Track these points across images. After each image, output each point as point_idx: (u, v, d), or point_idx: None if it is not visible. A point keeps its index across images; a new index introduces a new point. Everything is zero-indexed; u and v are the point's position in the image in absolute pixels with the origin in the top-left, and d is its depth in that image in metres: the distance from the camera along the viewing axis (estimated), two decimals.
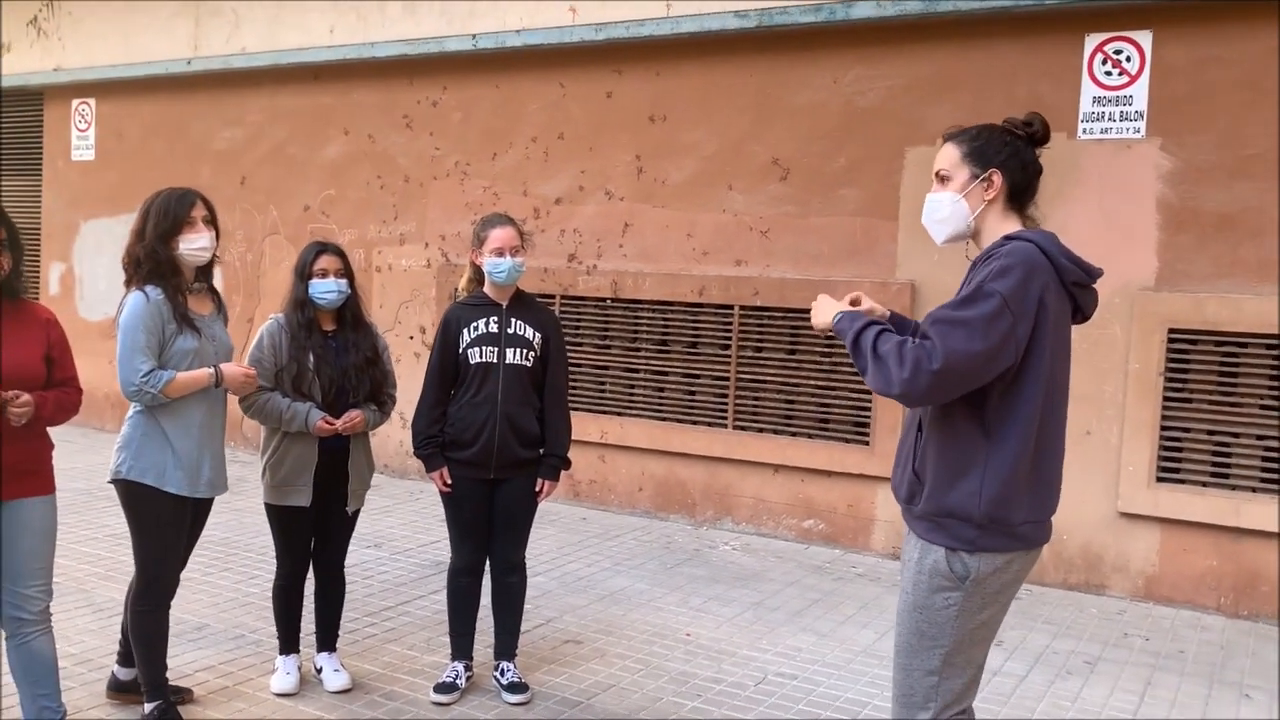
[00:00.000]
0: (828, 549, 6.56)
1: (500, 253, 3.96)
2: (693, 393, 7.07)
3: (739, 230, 6.89)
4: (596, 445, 7.37)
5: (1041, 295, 2.42)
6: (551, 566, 5.93)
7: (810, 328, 6.63)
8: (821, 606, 5.43)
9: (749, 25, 6.55)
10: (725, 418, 6.94)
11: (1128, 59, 5.72)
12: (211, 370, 3.56)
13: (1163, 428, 5.63)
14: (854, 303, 2.70)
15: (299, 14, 8.49)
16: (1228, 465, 5.53)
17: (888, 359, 2.41)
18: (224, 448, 3.77)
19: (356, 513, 4.15)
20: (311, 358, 3.92)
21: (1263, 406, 5.44)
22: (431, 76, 7.99)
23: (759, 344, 6.84)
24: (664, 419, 7.15)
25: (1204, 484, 5.57)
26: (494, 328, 3.99)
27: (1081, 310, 2.60)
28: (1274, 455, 5.43)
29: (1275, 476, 5.43)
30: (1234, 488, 5.51)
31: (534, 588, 5.49)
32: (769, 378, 6.79)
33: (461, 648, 4.16)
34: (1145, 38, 5.68)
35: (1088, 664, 4.74)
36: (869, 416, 6.46)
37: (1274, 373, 5.42)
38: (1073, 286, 2.53)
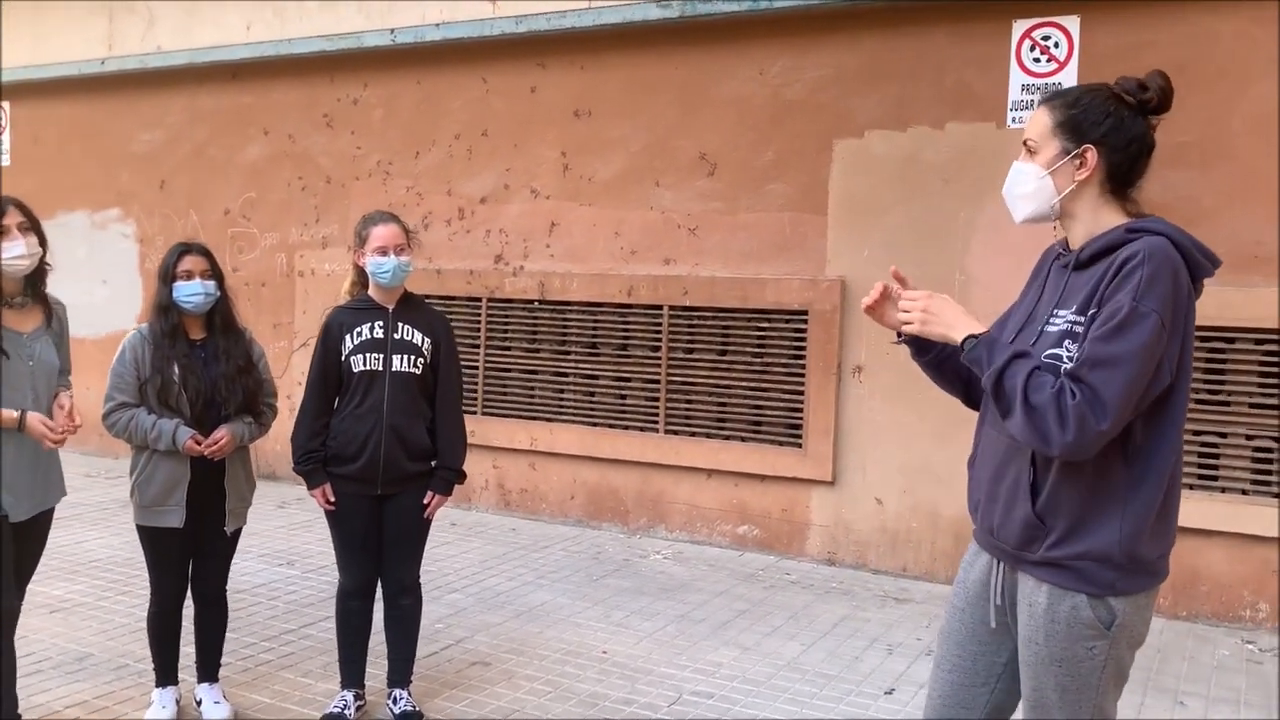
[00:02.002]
0: (762, 555, 6.34)
1: (384, 252, 3.70)
2: (624, 396, 6.84)
3: (667, 228, 6.66)
4: (527, 453, 7.12)
5: (1187, 300, 2.15)
6: (471, 582, 5.67)
7: (742, 328, 6.51)
8: (748, 618, 5.21)
9: (672, 15, 6.33)
10: (657, 422, 6.71)
11: (1056, 45, 5.55)
12: (16, 414, 3.29)
13: None
14: (899, 278, 2.45)
15: (215, 11, 8.18)
16: None
17: (1045, 413, 2.08)
18: (49, 459, 3.52)
19: (237, 533, 3.87)
20: (177, 368, 3.63)
21: (1200, 401, 5.28)
22: (352, 73, 7.71)
23: (689, 345, 6.62)
24: (595, 424, 6.91)
25: None
26: (379, 333, 3.73)
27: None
28: (1212, 452, 5.28)
29: (1213, 473, 5.27)
30: None
31: (449, 605, 5.26)
32: (700, 380, 6.57)
33: (352, 675, 3.90)
34: (1073, 23, 5.51)
35: None
36: (801, 419, 6.25)
37: (1209, 366, 5.27)
38: (1198, 282, 2.22)
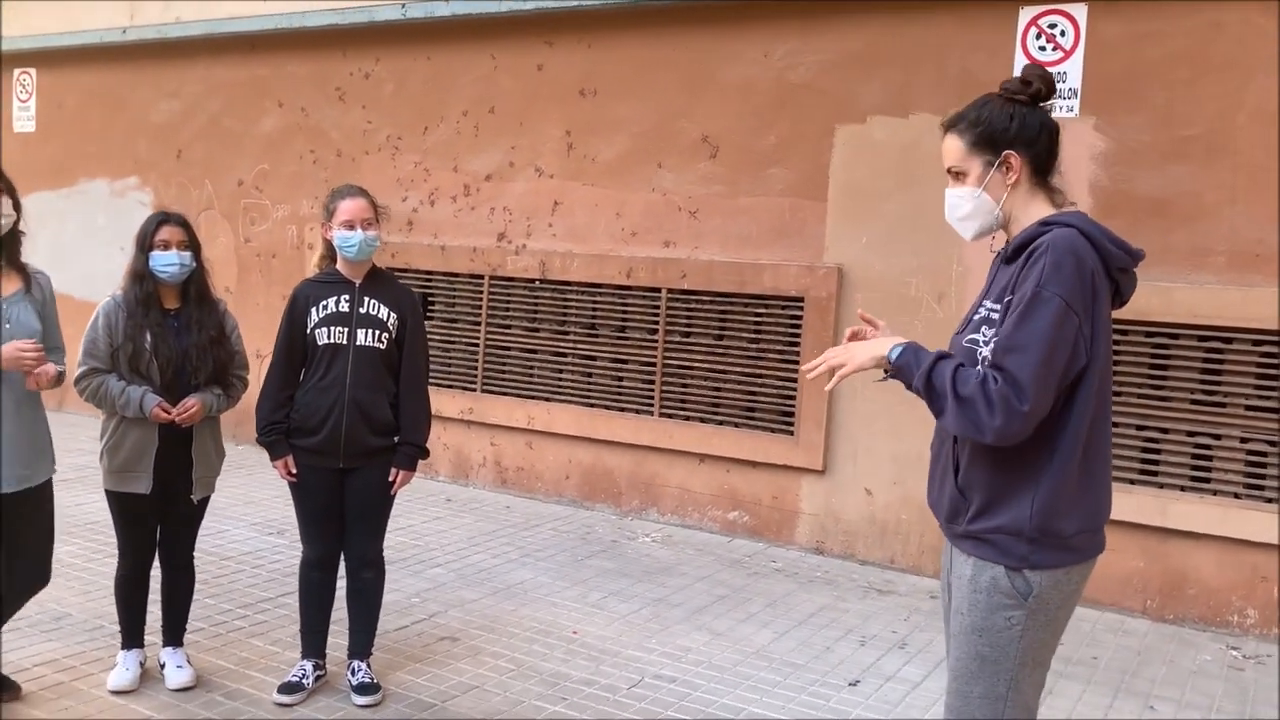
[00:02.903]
0: (750, 542, 6.32)
1: (350, 225, 3.71)
2: (620, 378, 6.82)
3: (668, 210, 6.62)
4: (524, 431, 7.14)
5: (1093, 284, 2.22)
6: (455, 558, 5.70)
7: (738, 313, 6.46)
8: (726, 604, 5.19)
9: None
10: (652, 405, 6.69)
11: (1062, 33, 5.43)
12: None
13: None
14: (861, 329, 2.50)
15: None
16: (1156, 462, 5.28)
17: (975, 402, 2.17)
18: (34, 432, 3.56)
19: (205, 501, 3.92)
20: (149, 336, 3.67)
21: (1194, 402, 5.18)
22: (364, 47, 7.73)
23: (686, 329, 6.58)
24: (592, 405, 6.91)
25: (1131, 481, 5.32)
26: (344, 307, 3.75)
27: (1120, 295, 2.37)
28: (1204, 453, 5.18)
29: (1205, 475, 5.17)
30: (1162, 486, 5.25)
31: (429, 580, 5.29)
32: (696, 364, 6.54)
33: (312, 645, 3.94)
34: (1080, 11, 5.39)
35: None
36: (794, 406, 6.21)
37: (1206, 366, 5.16)
38: (1116, 272, 2.31)
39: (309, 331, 3.74)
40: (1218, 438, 5.13)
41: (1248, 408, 5.08)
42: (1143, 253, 2.36)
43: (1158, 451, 5.27)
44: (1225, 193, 5.11)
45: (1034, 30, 5.49)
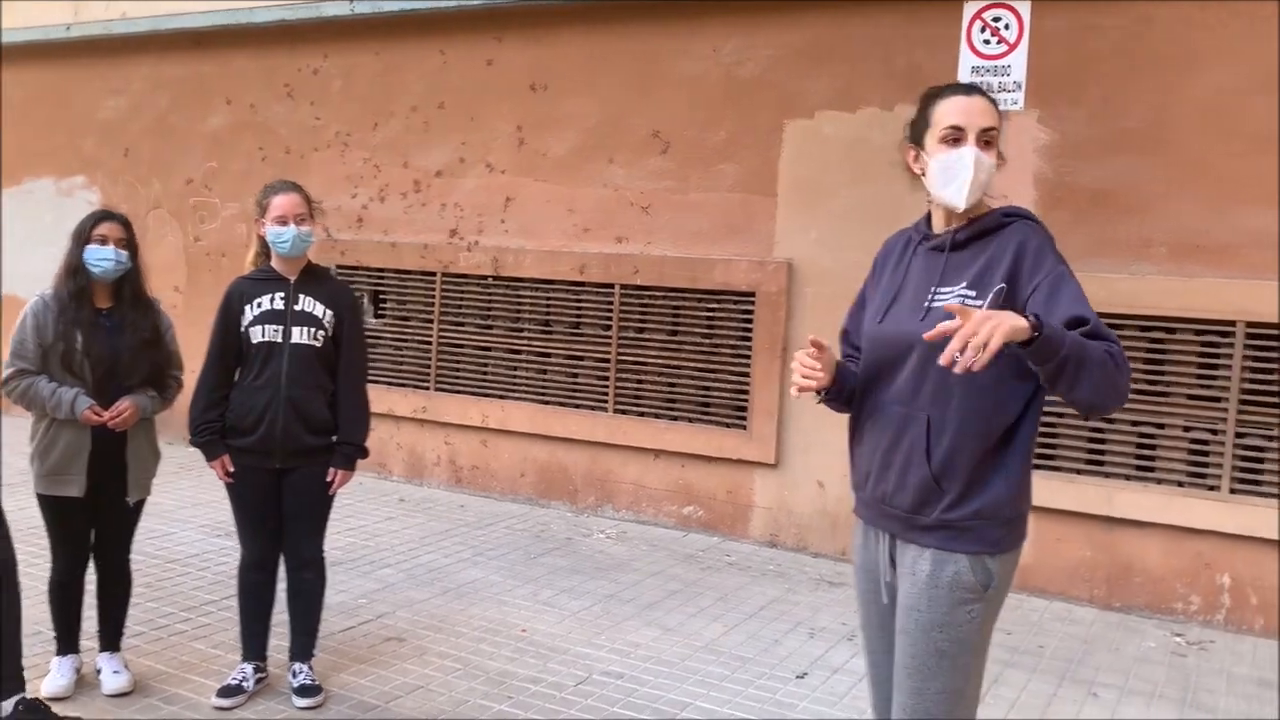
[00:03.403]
0: (705, 536, 6.32)
1: (283, 221, 3.66)
2: (575, 375, 6.80)
3: (620, 206, 6.60)
4: (479, 429, 7.09)
5: None
6: (406, 558, 5.65)
7: (691, 308, 6.45)
8: (678, 599, 5.18)
9: None
10: (606, 401, 6.67)
11: (1006, 27, 5.46)
12: None
13: None
14: (816, 345, 2.36)
15: None
16: (1102, 452, 5.33)
17: (1123, 367, 2.09)
18: None
19: (141, 504, 3.85)
20: (80, 335, 3.60)
21: (1138, 391, 5.22)
22: (312, 43, 7.64)
23: (640, 325, 6.57)
24: (547, 402, 6.88)
25: (1078, 471, 5.36)
26: (279, 304, 3.70)
27: None
28: (1149, 443, 5.23)
29: (1149, 465, 5.22)
30: (1107, 475, 5.30)
31: (378, 580, 5.24)
32: (650, 360, 6.53)
33: (253, 648, 3.88)
34: (1024, 5, 5.43)
35: None
36: (747, 400, 6.21)
37: (1149, 356, 5.21)
38: None
39: (243, 329, 3.68)
40: (1161, 427, 5.19)
41: (1190, 397, 5.13)
42: None
43: (1103, 441, 5.32)
44: (1165, 184, 5.16)
45: (978, 24, 5.52)
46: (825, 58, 5.93)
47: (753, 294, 6.16)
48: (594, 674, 4.21)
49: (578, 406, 6.77)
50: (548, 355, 6.88)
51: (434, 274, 7.19)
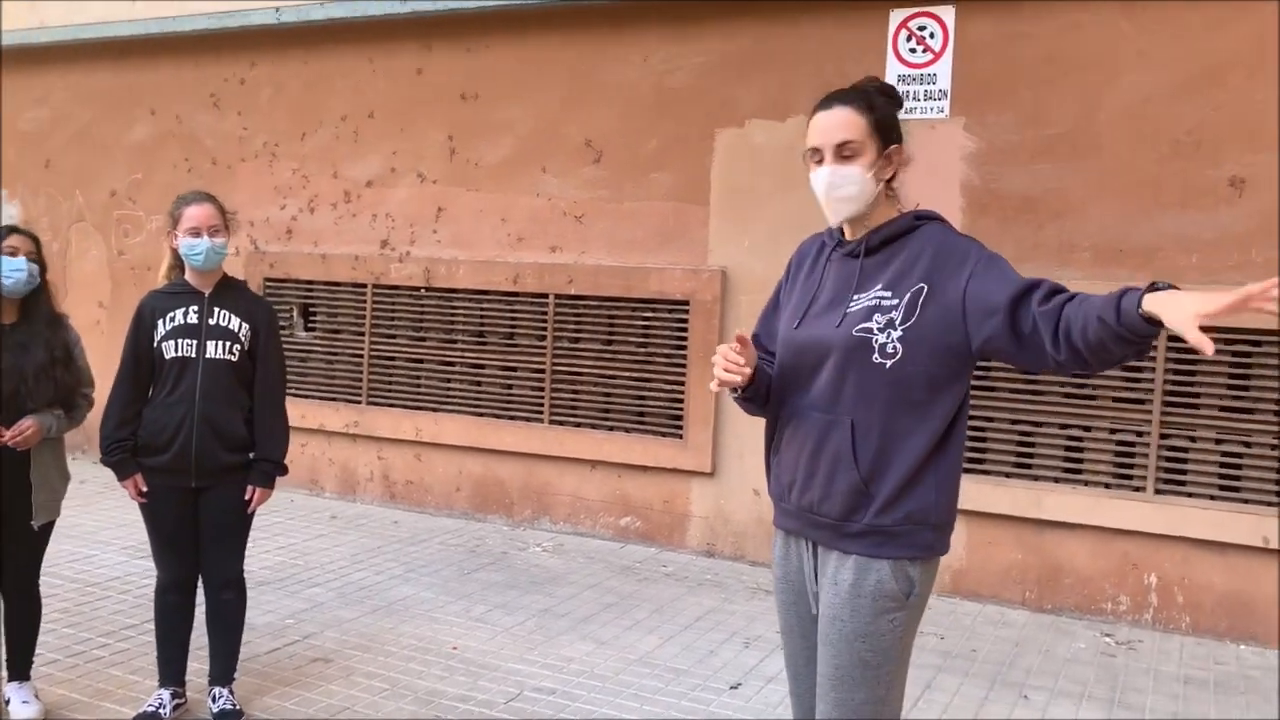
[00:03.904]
0: (643, 547, 6.28)
1: (196, 233, 3.55)
2: (510, 386, 6.72)
3: (553, 215, 6.55)
4: (412, 443, 6.99)
5: None
6: (335, 576, 5.53)
7: (626, 318, 6.40)
8: (613, 611, 5.13)
9: None
10: (542, 412, 6.60)
11: (931, 35, 5.51)
12: None
13: (968, 417, 5.44)
14: (741, 340, 2.32)
15: None
16: (1031, 455, 5.38)
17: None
18: None
19: (48, 526, 3.71)
20: None
21: (1065, 395, 5.29)
22: (238, 52, 7.50)
23: (575, 334, 6.52)
24: (481, 414, 6.79)
25: (1007, 475, 5.41)
26: (193, 318, 3.59)
27: None
28: (1076, 445, 5.29)
29: (1077, 467, 5.28)
30: (1036, 478, 5.35)
31: (306, 600, 5.13)
32: (585, 370, 6.48)
33: (170, 673, 3.76)
34: (948, 13, 5.48)
35: None
36: (682, 409, 6.19)
37: None
38: None
39: (156, 345, 3.57)
40: (1088, 429, 5.25)
41: (1115, 400, 5.20)
42: None
43: (1032, 444, 5.37)
44: (1089, 189, 5.23)
45: (904, 33, 5.57)
46: (755, 67, 5.94)
47: (687, 302, 6.14)
48: (525, 690, 4.14)
49: (513, 418, 6.70)
50: (482, 367, 6.80)
51: (365, 286, 7.08)
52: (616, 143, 6.35)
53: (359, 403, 7.13)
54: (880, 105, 2.34)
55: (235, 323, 3.62)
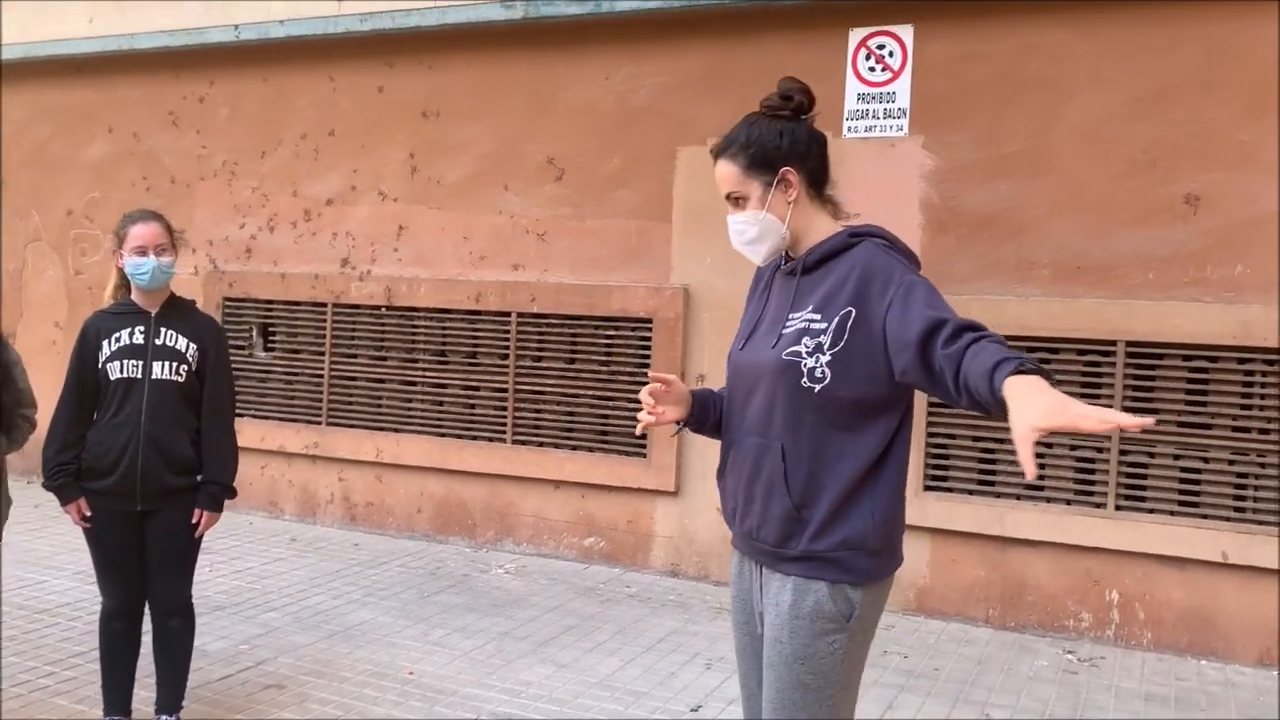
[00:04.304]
0: (607, 568, 6.22)
1: (142, 252, 3.48)
2: (472, 406, 6.66)
3: (515, 233, 6.52)
4: (373, 465, 6.90)
5: None
6: (292, 600, 5.43)
7: (589, 336, 6.37)
8: (575, 634, 5.07)
9: (515, 17, 6.19)
10: (505, 432, 6.55)
11: (890, 54, 5.54)
12: None
13: (929, 435, 5.45)
14: (661, 380, 2.33)
15: (58, 4, 7.81)
16: (993, 473, 5.38)
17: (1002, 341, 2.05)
18: None
19: None
20: None
21: None
22: (197, 70, 7.43)
23: (538, 353, 6.47)
24: (443, 435, 6.72)
25: (970, 492, 5.41)
26: (139, 339, 3.51)
27: None
28: (1038, 462, 5.28)
29: (1039, 484, 5.29)
30: (999, 495, 5.35)
31: (261, 625, 5.03)
32: (548, 389, 6.43)
33: (115, 702, 3.66)
34: (907, 33, 5.51)
35: None
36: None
37: None
38: None
39: (101, 366, 3.49)
40: (1049, 446, 5.26)
41: None
42: (920, 261, 2.36)
43: (994, 462, 5.37)
44: (1047, 207, 5.26)
45: (864, 52, 5.59)
46: (715, 85, 5.95)
47: (650, 320, 6.12)
48: (481, 715, 4.07)
49: (475, 438, 6.63)
50: (444, 386, 6.73)
51: (325, 305, 7.01)
52: (578, 161, 6.33)
53: (319, 423, 7.04)
54: (754, 138, 2.32)
55: (182, 343, 3.55)
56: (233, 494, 3.67)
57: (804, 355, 2.21)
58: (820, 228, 2.33)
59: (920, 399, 5.43)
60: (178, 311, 3.62)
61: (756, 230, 2.31)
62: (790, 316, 2.29)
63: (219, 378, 3.64)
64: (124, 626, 3.65)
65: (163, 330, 3.55)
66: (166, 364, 3.51)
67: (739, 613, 2.46)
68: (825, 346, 2.19)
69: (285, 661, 4.58)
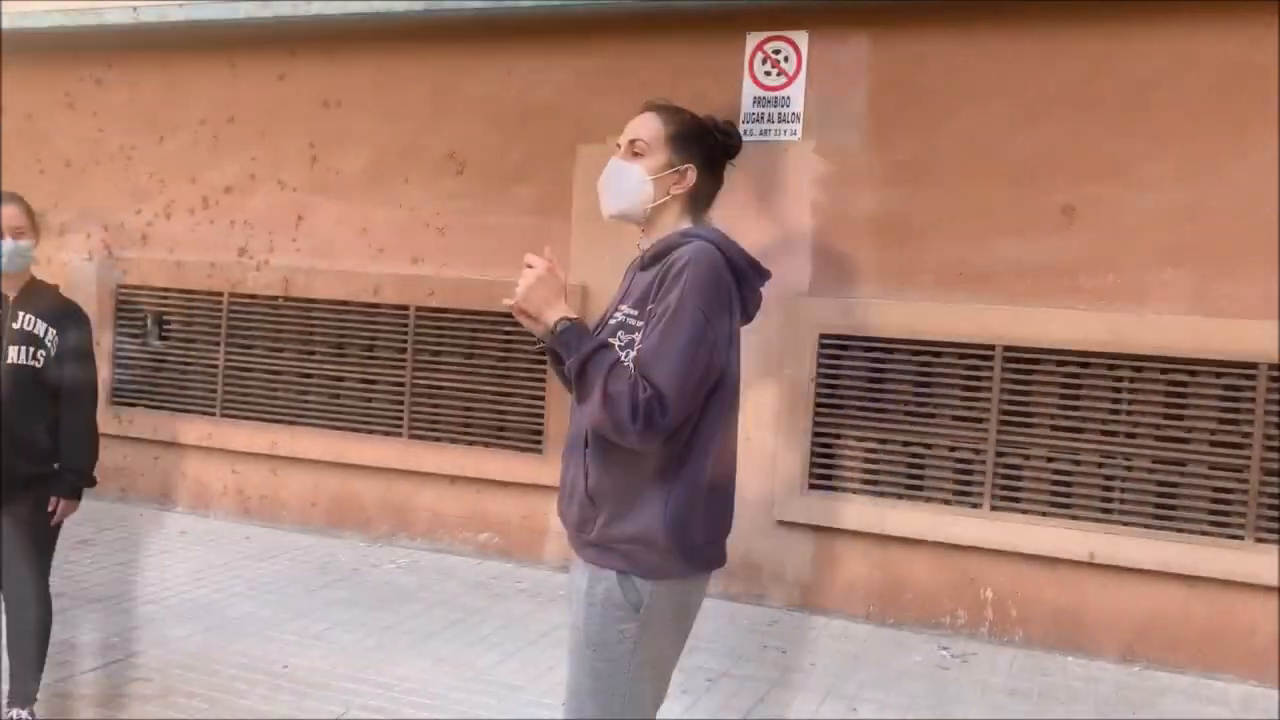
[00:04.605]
0: (501, 563, 6.22)
1: None
2: (369, 400, 6.61)
3: (415, 226, 6.48)
4: (268, 458, 6.81)
5: (729, 298, 2.26)
6: (173, 593, 5.34)
7: (488, 332, 6.37)
8: (459, 628, 5.07)
9: (417, 10, 6.15)
10: (401, 426, 6.51)
11: (786, 59, 5.62)
12: None
13: (815, 434, 5.55)
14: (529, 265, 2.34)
15: None
16: (876, 472, 5.49)
17: (621, 401, 2.11)
18: None
19: None
20: None
21: (907, 413, 5.42)
22: (95, 52, 7.26)
23: (436, 348, 6.44)
24: (339, 428, 6.66)
25: (854, 491, 5.51)
26: None
27: (746, 312, 2.37)
28: (918, 462, 5.42)
29: (918, 483, 5.41)
30: (880, 494, 5.47)
31: (138, 618, 4.94)
32: (446, 384, 6.41)
33: None
34: (802, 39, 5.60)
35: (708, 681, 4.54)
36: (542, 424, 6.16)
37: (919, 378, 5.41)
38: (746, 290, 2.36)
39: None
40: (929, 447, 5.39)
41: (955, 417, 5.35)
42: (769, 273, 2.42)
43: (876, 461, 5.49)
44: (932, 215, 5.38)
45: (760, 56, 5.67)
46: (616, 84, 5.98)
47: None
48: (351, 709, 4.05)
49: (371, 432, 6.58)
50: (341, 379, 6.67)
51: (221, 294, 6.90)
52: (479, 156, 6.32)
53: (213, 415, 6.92)
54: (691, 124, 2.40)
55: (41, 327, 3.48)
56: (91, 482, 3.61)
57: (619, 350, 2.25)
58: (671, 226, 2.39)
59: (805, 401, 5.53)
60: (37, 296, 3.55)
61: (633, 184, 2.37)
62: (617, 309, 2.36)
63: (79, 362, 3.57)
64: None
65: (20, 314, 3.47)
66: (23, 348, 3.44)
67: (568, 607, 2.50)
68: (636, 343, 2.23)
69: (156, 654, 4.50)
